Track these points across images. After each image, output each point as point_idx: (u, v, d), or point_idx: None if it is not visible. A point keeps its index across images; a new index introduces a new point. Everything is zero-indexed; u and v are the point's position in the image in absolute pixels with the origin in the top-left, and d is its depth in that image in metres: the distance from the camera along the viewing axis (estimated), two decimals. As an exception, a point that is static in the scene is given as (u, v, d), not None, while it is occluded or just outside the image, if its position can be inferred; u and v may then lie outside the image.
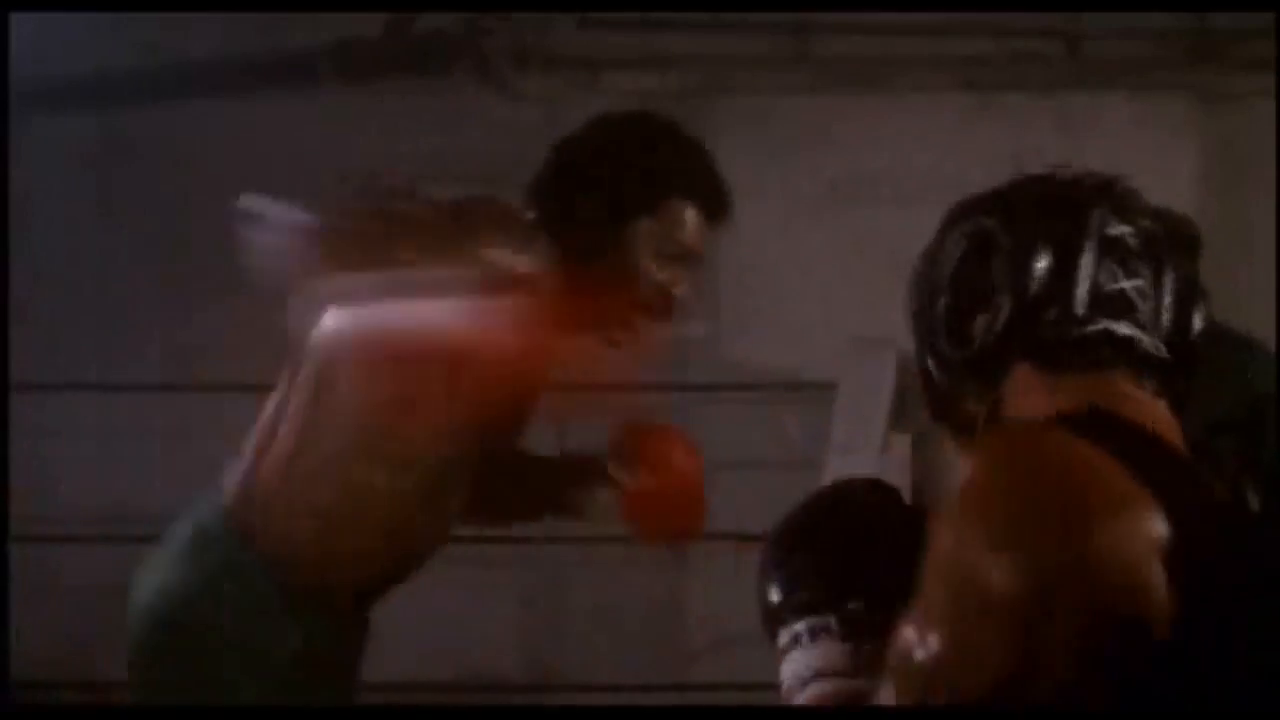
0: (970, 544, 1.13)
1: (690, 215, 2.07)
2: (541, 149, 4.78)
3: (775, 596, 1.30)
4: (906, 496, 1.39)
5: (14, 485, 3.90)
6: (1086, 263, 1.24)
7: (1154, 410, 1.24)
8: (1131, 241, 1.26)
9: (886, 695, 1.16)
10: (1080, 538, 1.11)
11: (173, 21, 4.52)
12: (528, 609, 4.66)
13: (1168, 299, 1.26)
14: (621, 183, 2.05)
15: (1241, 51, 4.56)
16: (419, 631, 4.63)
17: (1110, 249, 1.25)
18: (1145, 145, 4.52)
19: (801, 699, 1.26)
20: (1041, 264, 1.24)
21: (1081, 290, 1.23)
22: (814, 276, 4.56)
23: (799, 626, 1.27)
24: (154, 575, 2.06)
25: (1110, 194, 1.29)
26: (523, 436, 2.23)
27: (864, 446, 3.55)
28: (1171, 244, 1.29)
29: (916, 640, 1.14)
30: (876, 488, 1.36)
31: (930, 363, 1.30)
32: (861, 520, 1.32)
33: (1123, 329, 1.23)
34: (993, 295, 1.25)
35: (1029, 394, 1.24)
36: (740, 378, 4.55)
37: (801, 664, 1.27)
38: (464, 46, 4.57)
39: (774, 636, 1.30)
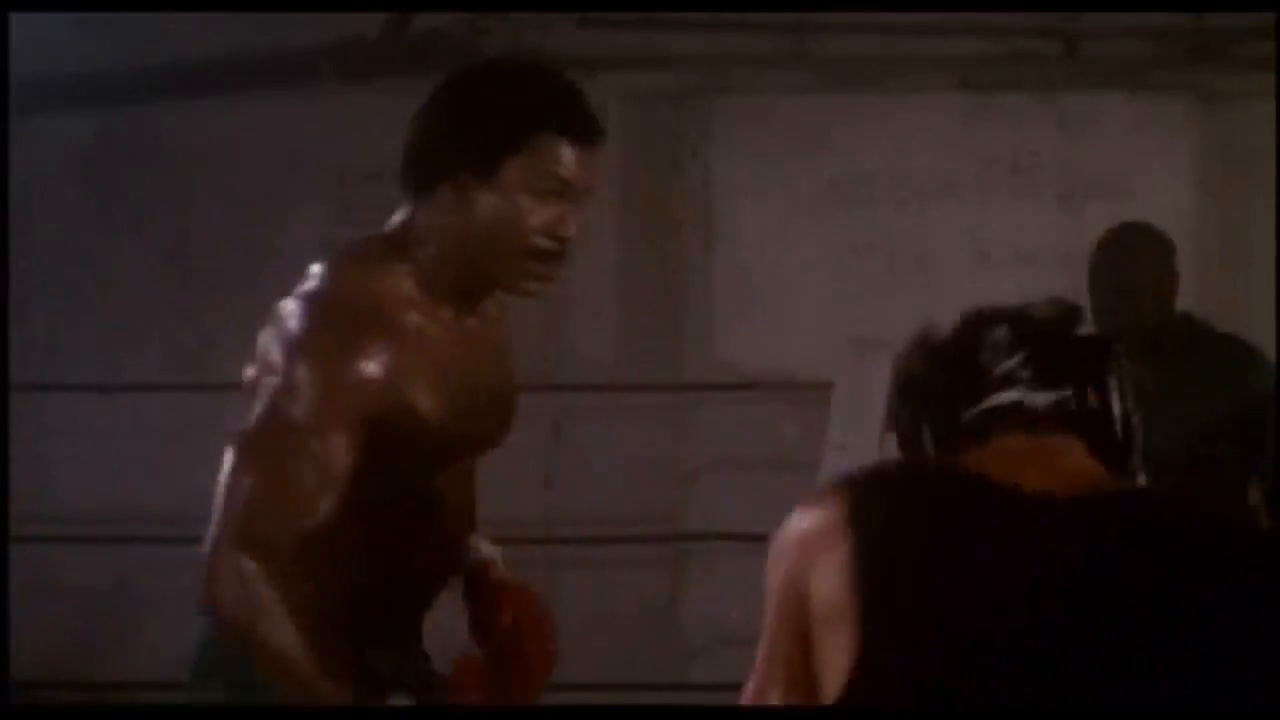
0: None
1: (561, 147, 1.92)
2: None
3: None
4: None
5: (14, 485, 3.90)
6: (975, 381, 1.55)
7: (1023, 447, 1.49)
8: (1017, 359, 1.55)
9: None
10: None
11: (172, 22, 4.52)
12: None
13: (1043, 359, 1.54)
14: (480, 127, 1.92)
15: (1241, 52, 4.55)
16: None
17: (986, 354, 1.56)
18: (1144, 145, 4.53)
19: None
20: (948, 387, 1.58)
21: (972, 386, 1.54)
22: (811, 276, 4.56)
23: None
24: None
25: (997, 337, 1.58)
26: (487, 434, 2.04)
27: (860, 446, 3.56)
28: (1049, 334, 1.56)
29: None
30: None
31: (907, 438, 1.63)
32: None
33: (1006, 398, 1.52)
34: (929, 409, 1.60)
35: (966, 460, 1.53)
36: (736, 378, 4.55)
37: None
38: (463, 46, 4.57)
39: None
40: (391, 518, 1.90)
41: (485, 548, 2.18)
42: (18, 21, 3.71)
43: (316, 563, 1.77)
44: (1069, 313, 1.57)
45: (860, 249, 4.45)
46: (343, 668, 1.76)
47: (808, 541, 1.44)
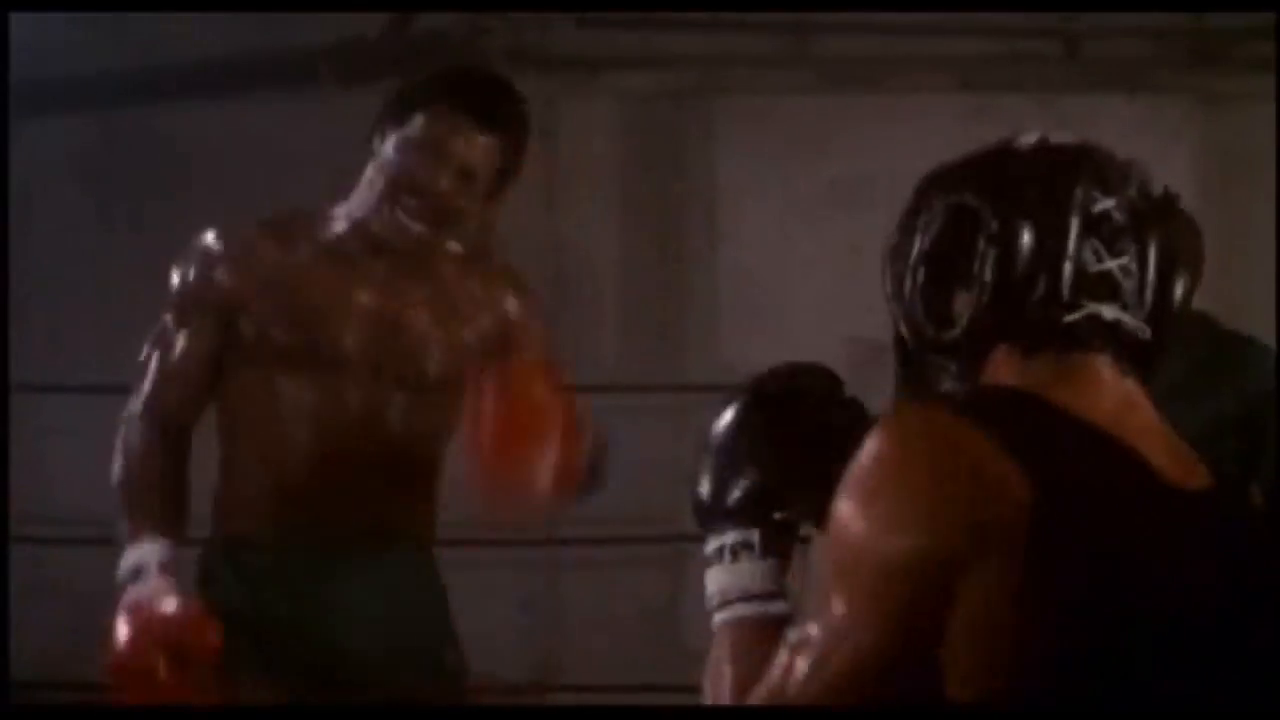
0: (856, 519, 1.21)
1: (450, 119, 2.24)
2: (541, 148, 4.80)
3: (705, 498, 1.38)
4: None
5: (16, 485, 3.90)
6: (1071, 244, 1.25)
7: (1117, 392, 1.26)
8: (1116, 217, 1.27)
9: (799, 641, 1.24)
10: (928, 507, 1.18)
11: (172, 22, 4.52)
12: (527, 611, 4.66)
13: (1151, 275, 1.27)
14: (398, 93, 2.31)
15: (1241, 53, 4.56)
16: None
17: (1095, 227, 1.26)
18: (1144, 147, 4.47)
19: (718, 619, 1.36)
20: (1025, 245, 1.25)
21: (1067, 273, 1.24)
22: (812, 277, 4.56)
23: (724, 539, 1.36)
24: None
25: (1093, 165, 1.31)
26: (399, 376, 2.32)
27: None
28: (1154, 215, 1.31)
29: (819, 599, 1.24)
30: (825, 380, 1.42)
31: (909, 339, 1.32)
32: (799, 418, 1.39)
33: (1107, 313, 1.25)
34: (976, 275, 1.26)
35: (1000, 376, 1.26)
36: (738, 378, 4.54)
37: (723, 582, 1.35)
38: (463, 46, 4.57)
39: (704, 537, 1.38)
40: (249, 423, 2.32)
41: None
42: (19, 22, 3.71)
43: (224, 432, 2.34)
44: (1169, 199, 1.32)
45: (861, 249, 4.43)
46: (179, 516, 2.28)
47: (985, 479, 1.17)
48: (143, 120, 4.65)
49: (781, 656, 1.25)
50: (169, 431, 2.33)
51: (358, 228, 2.31)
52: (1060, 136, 1.36)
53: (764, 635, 1.30)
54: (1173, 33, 4.62)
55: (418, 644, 2.36)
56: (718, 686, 1.33)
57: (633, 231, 4.69)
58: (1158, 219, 1.31)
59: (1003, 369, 1.26)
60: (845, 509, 1.22)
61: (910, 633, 1.18)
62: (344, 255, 2.32)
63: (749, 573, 1.34)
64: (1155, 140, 4.54)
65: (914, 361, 1.32)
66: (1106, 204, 1.27)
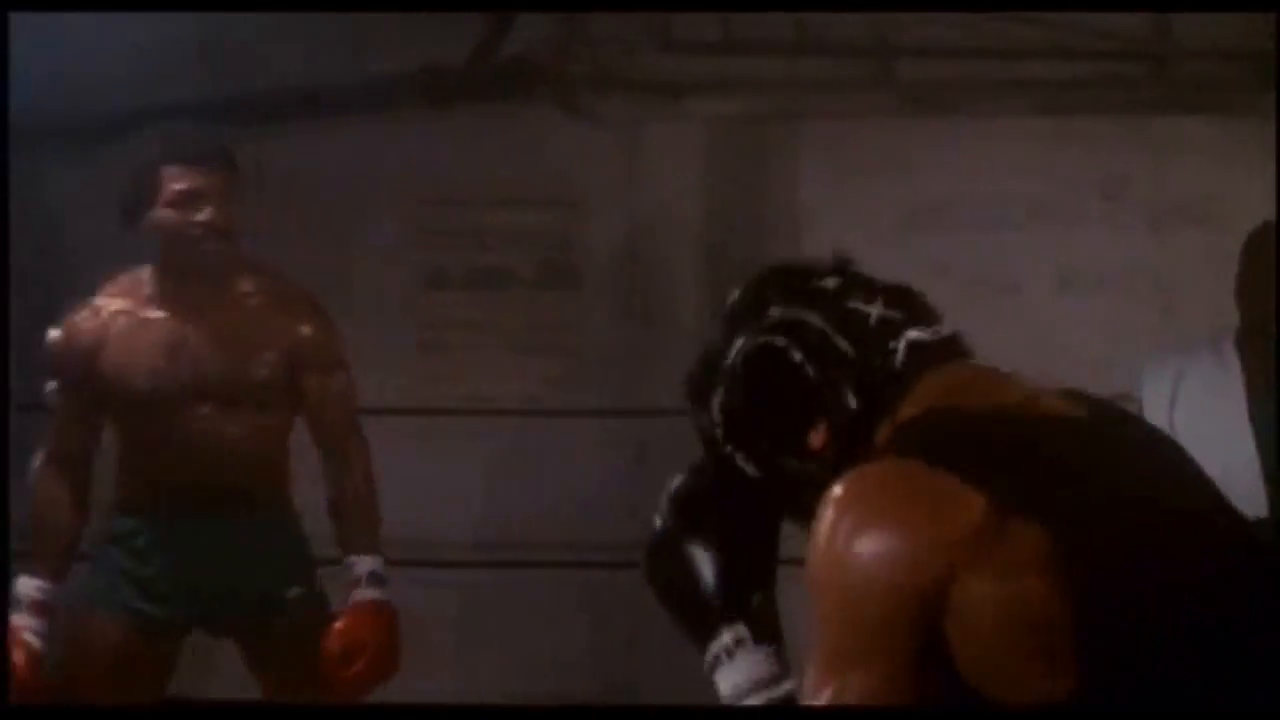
0: (833, 570, 1.31)
1: (176, 170, 2.86)
2: (622, 173, 4.84)
3: (683, 618, 1.49)
4: None
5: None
6: (857, 325, 1.44)
7: (974, 372, 1.41)
8: (865, 286, 1.50)
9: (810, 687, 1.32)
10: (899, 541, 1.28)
11: (259, 50, 4.60)
12: (602, 630, 4.67)
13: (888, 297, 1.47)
14: (132, 183, 2.89)
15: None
16: (496, 654, 4.66)
17: (851, 302, 1.47)
18: (1231, 169, 4.48)
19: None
20: (842, 349, 1.42)
21: (873, 343, 1.42)
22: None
23: (717, 644, 1.46)
24: None
25: (785, 271, 1.53)
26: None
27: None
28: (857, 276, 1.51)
29: (813, 658, 1.31)
30: (716, 469, 1.51)
31: (773, 476, 1.45)
32: (721, 512, 1.50)
33: (911, 339, 1.42)
34: (818, 402, 1.41)
35: (880, 437, 1.39)
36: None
37: (734, 681, 1.46)
38: (546, 71, 4.61)
39: (699, 650, 1.48)
40: (128, 441, 2.97)
41: (361, 565, 3.02)
42: (111, 55, 3.79)
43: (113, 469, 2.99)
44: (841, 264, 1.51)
45: (941, 273, 4.41)
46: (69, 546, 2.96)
47: (953, 539, 1.25)
48: (231, 147, 4.71)
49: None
50: (64, 469, 2.94)
51: (163, 278, 2.90)
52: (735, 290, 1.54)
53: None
54: (1262, 55, 4.57)
55: (263, 584, 2.94)
56: None
57: (715, 256, 4.70)
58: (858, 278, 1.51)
59: (881, 441, 1.38)
60: (822, 565, 1.31)
61: (911, 660, 1.26)
62: (160, 302, 2.91)
63: (752, 664, 1.44)
64: (1244, 162, 4.49)
65: (788, 493, 1.45)
66: (830, 282, 1.49)
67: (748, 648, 1.44)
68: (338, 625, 2.92)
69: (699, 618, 1.47)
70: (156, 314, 2.93)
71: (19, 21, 3.85)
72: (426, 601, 4.68)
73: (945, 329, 1.43)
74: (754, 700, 1.44)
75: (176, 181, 2.85)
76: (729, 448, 1.47)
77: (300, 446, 3.09)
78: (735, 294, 1.56)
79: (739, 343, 1.47)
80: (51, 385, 2.98)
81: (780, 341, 1.43)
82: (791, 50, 4.59)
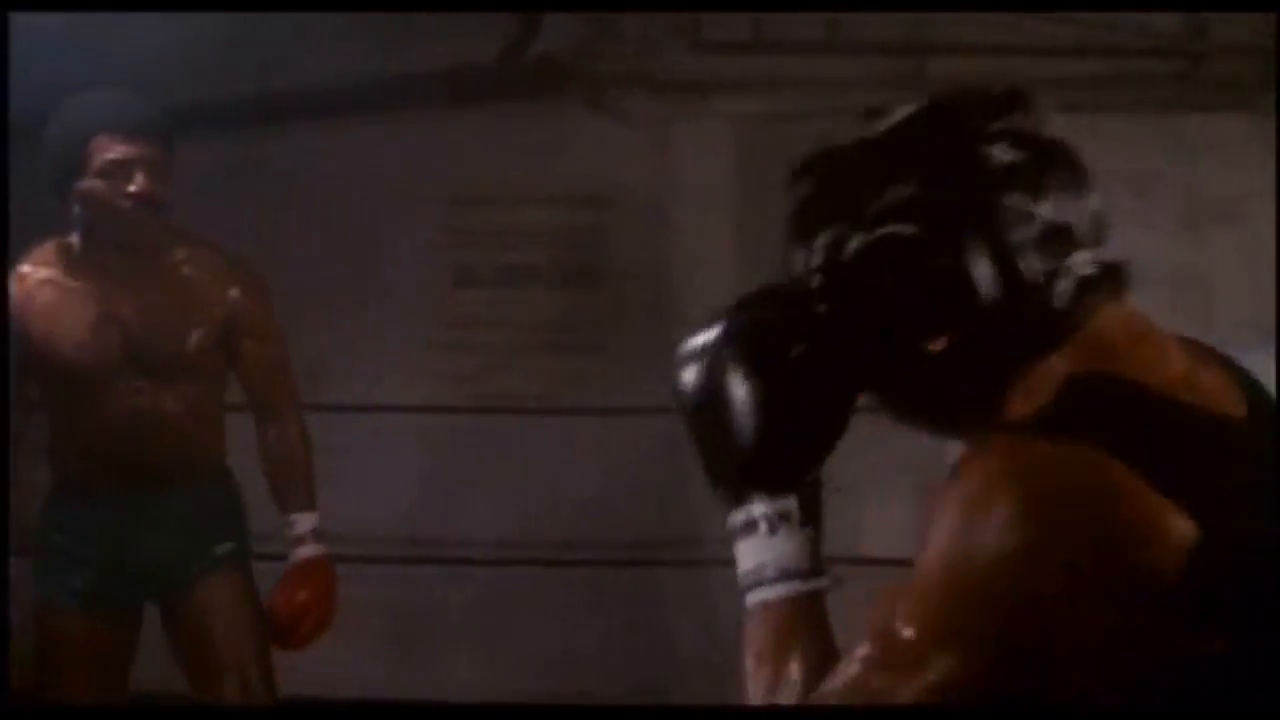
0: (981, 542, 1.11)
1: (105, 140, 2.76)
2: (651, 171, 4.83)
3: (728, 462, 1.25)
4: None
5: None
6: (1020, 230, 1.16)
7: (1151, 339, 1.19)
8: (1035, 168, 1.20)
9: (862, 655, 1.16)
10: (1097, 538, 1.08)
11: (287, 48, 4.61)
12: (635, 631, 4.67)
13: (1085, 198, 1.22)
14: (61, 149, 2.79)
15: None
16: (522, 652, 4.66)
17: (1015, 196, 1.17)
18: (1263, 168, 4.45)
19: (757, 598, 1.23)
20: (989, 261, 1.16)
21: (1031, 261, 1.16)
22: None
23: (758, 510, 1.24)
24: None
25: (993, 119, 1.24)
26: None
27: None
28: (1054, 144, 1.25)
29: (905, 616, 1.14)
30: (797, 301, 1.26)
31: (869, 352, 1.22)
32: (796, 363, 1.24)
33: (1080, 269, 1.17)
34: (946, 313, 1.17)
35: (1030, 386, 1.17)
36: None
37: (761, 561, 1.24)
38: (575, 70, 4.61)
39: (727, 504, 1.25)
40: (58, 414, 2.90)
41: (302, 522, 2.97)
42: (145, 51, 3.79)
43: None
44: (1015, 98, 1.19)
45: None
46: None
47: (1146, 576, 1.07)
48: (261, 144, 4.73)
49: (853, 669, 1.17)
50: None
51: (91, 248, 2.82)
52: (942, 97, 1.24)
53: (814, 617, 1.22)
54: (1294, 51, 4.54)
55: (194, 539, 2.92)
56: (774, 674, 1.22)
57: (745, 254, 4.70)
58: (1056, 146, 1.24)
59: (1025, 382, 1.17)
60: (956, 537, 1.12)
61: (1001, 663, 1.10)
62: (88, 272, 2.84)
63: (791, 547, 1.23)
64: (1274, 161, 4.47)
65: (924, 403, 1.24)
66: (1019, 155, 1.21)
67: (793, 527, 1.22)
68: (286, 583, 2.90)
69: (747, 471, 1.23)
70: (83, 285, 2.85)
71: (44, 20, 3.86)
72: (452, 599, 4.70)
73: (1110, 252, 1.18)
74: (779, 590, 1.22)
75: (106, 151, 2.77)
76: (824, 307, 1.22)
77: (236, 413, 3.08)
78: (896, 116, 1.28)
79: (878, 206, 1.19)
80: None
81: (911, 231, 1.17)
82: (822, 49, 4.58)
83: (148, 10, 4.22)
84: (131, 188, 2.76)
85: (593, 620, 4.66)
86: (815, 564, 1.24)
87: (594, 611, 4.66)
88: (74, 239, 2.85)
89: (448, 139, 4.66)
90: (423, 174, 4.69)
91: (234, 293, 2.93)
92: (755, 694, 1.23)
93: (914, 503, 4.25)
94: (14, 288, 2.85)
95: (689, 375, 1.30)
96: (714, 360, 1.28)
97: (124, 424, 2.84)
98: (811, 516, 1.24)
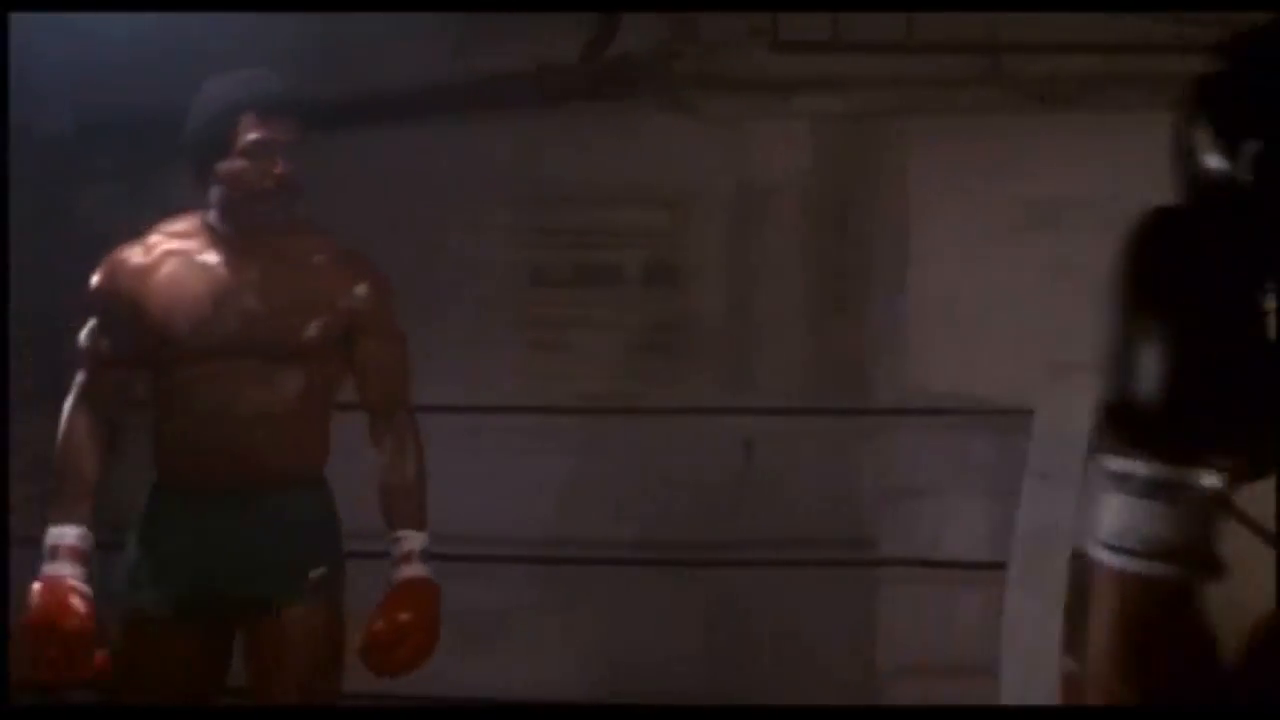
0: None
1: (247, 121, 2.74)
2: (729, 171, 4.82)
3: (1150, 407, 0.99)
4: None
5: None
6: None
7: None
8: None
9: None
10: None
11: (369, 47, 4.64)
12: (715, 631, 4.66)
13: None
14: (202, 133, 2.76)
15: None
16: (608, 651, 4.67)
17: None
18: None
19: (1130, 565, 0.99)
20: None
21: None
22: (1007, 300, 4.49)
23: (1164, 471, 0.99)
24: None
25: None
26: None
27: (1062, 475, 3.48)
28: None
29: None
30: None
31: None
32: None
33: None
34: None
35: None
36: (929, 402, 4.50)
37: (1153, 529, 1.00)
38: (654, 70, 4.61)
39: (1102, 438, 1.03)
40: (165, 397, 2.78)
41: (410, 540, 2.86)
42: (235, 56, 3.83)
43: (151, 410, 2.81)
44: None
45: (1060, 272, 4.35)
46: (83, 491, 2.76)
47: None
48: (343, 145, 4.76)
49: None
50: (97, 418, 2.79)
51: (224, 225, 2.77)
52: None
53: (1197, 618, 0.97)
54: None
55: (288, 560, 2.77)
56: (1143, 654, 0.98)
57: (824, 252, 4.68)
58: None
59: None
60: None
61: None
62: (217, 249, 2.77)
63: (1193, 527, 0.97)
64: None
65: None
66: None
67: (1193, 504, 0.95)
68: (389, 605, 2.74)
69: (1183, 429, 0.96)
70: (210, 259, 2.77)
71: (139, 21, 3.91)
72: (535, 598, 4.71)
73: None
74: (1157, 569, 0.96)
75: (252, 131, 2.73)
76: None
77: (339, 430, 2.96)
78: None
79: None
80: (89, 325, 2.80)
81: None
82: (900, 48, 4.55)
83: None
84: (276, 170, 2.74)
85: (669, 620, 4.66)
86: (1221, 560, 0.98)
87: (670, 610, 4.66)
88: (210, 216, 2.78)
89: (528, 139, 4.68)
90: (503, 174, 4.71)
91: (359, 288, 2.84)
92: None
93: (989, 506, 4.21)
94: (138, 256, 2.78)
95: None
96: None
97: (231, 409, 2.72)
98: (1222, 504, 0.97)
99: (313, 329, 2.77)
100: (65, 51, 4.78)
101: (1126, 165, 4.53)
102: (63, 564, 2.68)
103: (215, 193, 2.76)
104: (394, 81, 4.70)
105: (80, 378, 2.81)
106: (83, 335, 2.82)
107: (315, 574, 2.79)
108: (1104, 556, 1.03)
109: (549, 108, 4.61)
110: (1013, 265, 4.49)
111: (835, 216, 4.68)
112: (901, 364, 4.59)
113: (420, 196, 4.70)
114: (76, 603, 2.66)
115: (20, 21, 3.78)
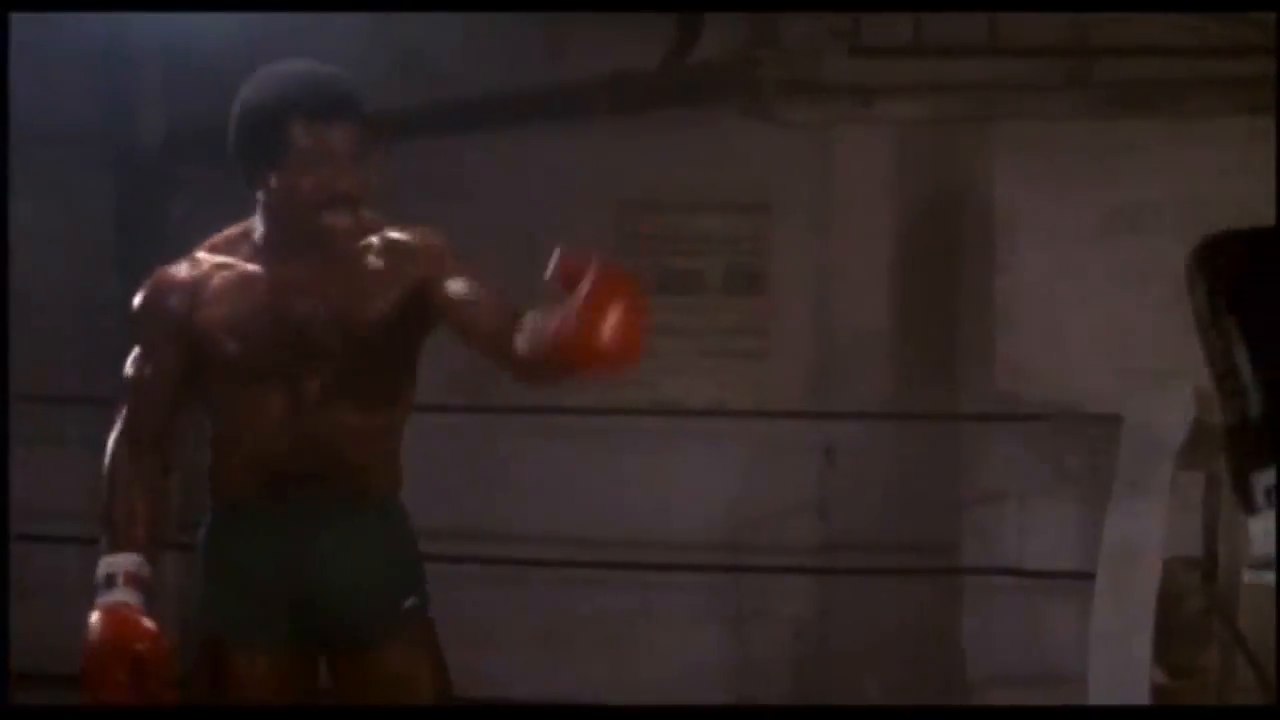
0: None
1: (308, 127, 2.44)
2: (812, 177, 4.80)
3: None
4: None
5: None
6: None
7: None
8: None
9: None
10: None
11: (455, 57, 4.67)
12: (801, 638, 4.65)
13: None
14: (252, 141, 2.48)
15: None
16: (684, 656, 4.67)
17: None
18: None
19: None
20: None
21: None
22: (1092, 306, 4.44)
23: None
24: None
25: None
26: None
27: (1151, 483, 3.43)
28: None
29: None
30: None
31: None
32: None
33: None
34: None
35: None
36: (1015, 408, 4.46)
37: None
38: (736, 76, 4.60)
39: (1245, 456, 0.96)
40: (224, 418, 2.57)
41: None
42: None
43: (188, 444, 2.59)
44: None
45: (1146, 279, 4.30)
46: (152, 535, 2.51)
47: None
48: (430, 152, 4.80)
49: None
50: (143, 448, 2.57)
51: (283, 238, 2.51)
52: None
53: None
54: None
55: (379, 588, 2.56)
56: None
57: (909, 258, 4.66)
58: None
59: None
60: None
61: None
62: (267, 260, 2.53)
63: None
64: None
65: None
66: None
67: None
68: (586, 301, 2.19)
69: None
70: (263, 270, 2.53)
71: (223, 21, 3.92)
72: (610, 601, 4.72)
73: None
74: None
75: (303, 137, 2.43)
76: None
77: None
78: None
79: None
80: (136, 345, 2.57)
81: None
82: (983, 52, 4.52)
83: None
84: (333, 183, 2.44)
85: (749, 625, 4.65)
86: None
87: (752, 616, 4.65)
88: (257, 227, 2.54)
89: (612, 146, 4.69)
90: (587, 181, 4.72)
91: (416, 256, 2.55)
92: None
93: (1077, 514, 4.17)
94: (186, 271, 2.55)
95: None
96: None
97: (298, 429, 2.52)
98: None
99: (382, 330, 2.52)
100: (159, 56, 4.86)
101: (1211, 170, 4.49)
102: (121, 591, 2.45)
103: (264, 202, 2.51)
104: (477, 89, 4.73)
105: (124, 409, 2.58)
106: (127, 364, 2.59)
107: (409, 603, 2.59)
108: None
109: (631, 115, 4.62)
110: (1100, 270, 4.45)
111: (918, 222, 4.65)
112: (987, 370, 4.55)
113: (502, 204, 4.72)
114: (144, 624, 2.42)
115: (110, 24, 3.77)
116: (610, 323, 2.20)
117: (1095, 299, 4.44)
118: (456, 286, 2.51)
